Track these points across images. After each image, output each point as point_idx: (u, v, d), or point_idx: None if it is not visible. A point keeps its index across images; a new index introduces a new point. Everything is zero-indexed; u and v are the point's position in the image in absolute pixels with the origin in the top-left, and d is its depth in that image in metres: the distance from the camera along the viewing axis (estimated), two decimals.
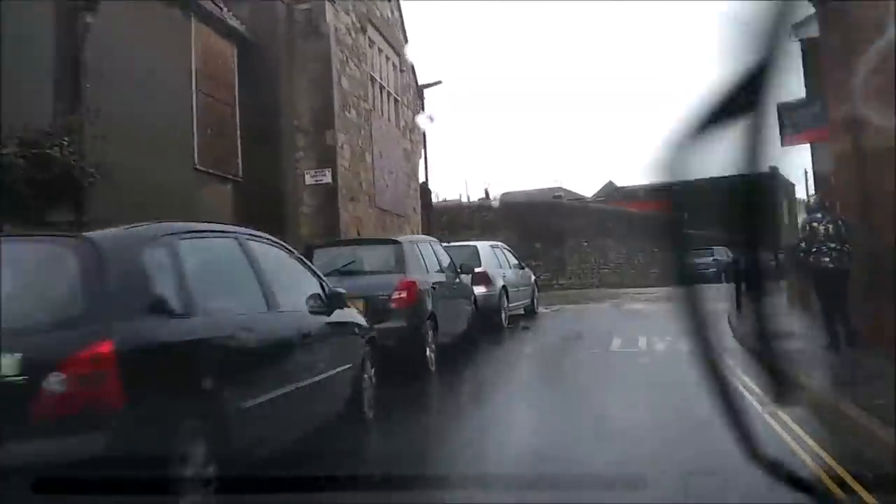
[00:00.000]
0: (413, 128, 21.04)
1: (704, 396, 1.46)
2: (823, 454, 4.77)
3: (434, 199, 24.49)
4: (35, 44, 8.95)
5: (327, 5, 14.99)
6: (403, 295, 8.65)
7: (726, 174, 1.18)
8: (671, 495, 3.66)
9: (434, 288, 9.64)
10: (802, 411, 5.49)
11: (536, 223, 28.65)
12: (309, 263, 6.30)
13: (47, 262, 3.75)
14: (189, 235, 4.36)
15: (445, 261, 11.23)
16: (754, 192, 1.26)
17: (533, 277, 16.70)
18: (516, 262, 15.99)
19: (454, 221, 27.71)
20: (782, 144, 11.01)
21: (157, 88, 11.22)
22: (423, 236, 13.54)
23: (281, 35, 14.64)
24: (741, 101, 1.04)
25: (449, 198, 34.08)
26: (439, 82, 21.71)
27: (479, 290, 13.40)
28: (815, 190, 13.63)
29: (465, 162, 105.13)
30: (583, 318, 15.89)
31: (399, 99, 19.70)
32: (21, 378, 3.11)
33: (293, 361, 4.83)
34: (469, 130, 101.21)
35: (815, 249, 8.39)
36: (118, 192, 8.79)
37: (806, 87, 11.78)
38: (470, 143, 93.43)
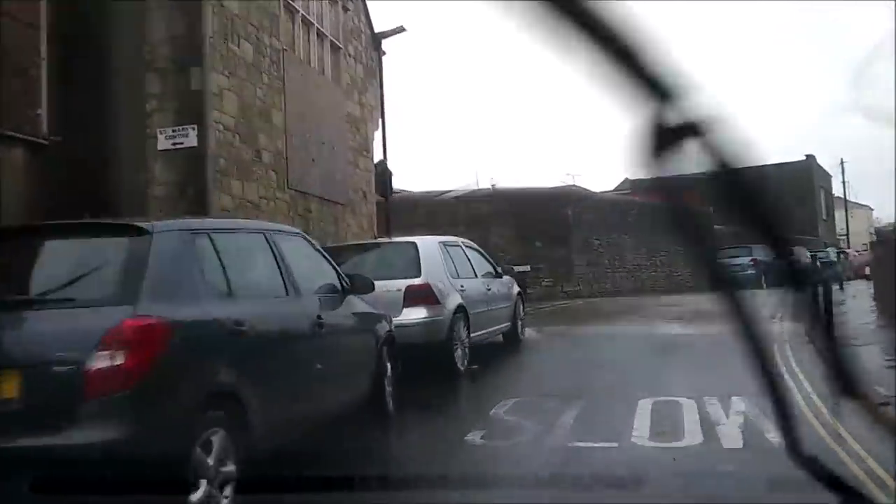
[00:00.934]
0: (365, 88, 15.83)
1: None
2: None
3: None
4: None
5: None
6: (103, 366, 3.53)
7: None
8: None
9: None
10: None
11: (536, 218, 23.34)
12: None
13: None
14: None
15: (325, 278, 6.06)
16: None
17: (516, 289, 11.47)
18: (490, 267, 10.77)
19: (433, 214, 22.46)
20: None
21: None
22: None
23: None
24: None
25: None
26: (401, 29, 16.44)
27: (415, 314, 8.24)
28: None
29: (469, 157, 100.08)
30: (587, 351, 10.60)
31: (341, 46, 14.49)
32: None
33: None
34: (469, 125, 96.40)
35: None
36: None
37: None
38: (475, 136, 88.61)
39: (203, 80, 9.73)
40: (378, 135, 16.56)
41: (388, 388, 6.18)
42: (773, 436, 4.83)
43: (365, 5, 15.89)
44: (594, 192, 26.63)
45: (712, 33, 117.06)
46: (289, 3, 12.43)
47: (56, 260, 4.25)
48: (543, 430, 5.85)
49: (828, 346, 1.21)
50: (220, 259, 4.41)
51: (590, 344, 11.00)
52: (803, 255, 32.11)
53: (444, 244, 9.46)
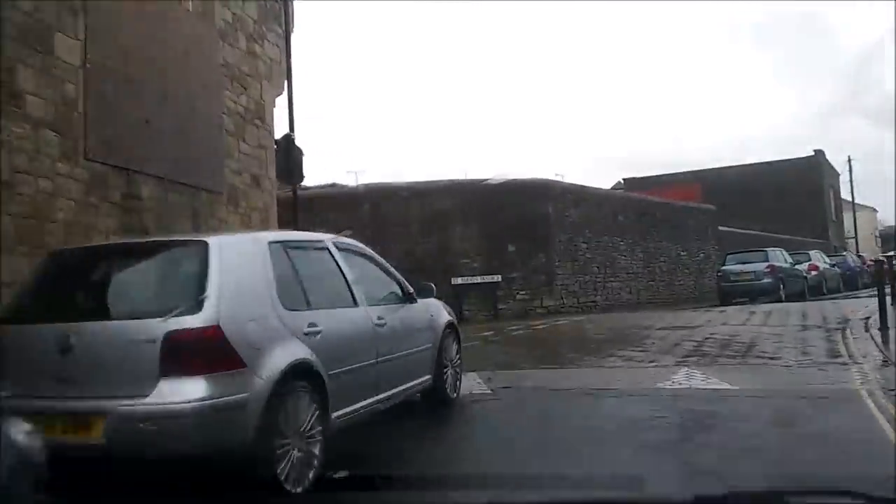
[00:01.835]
0: (262, 35, 11.43)
1: None
2: None
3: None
4: None
5: None
6: None
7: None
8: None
9: None
10: None
11: (509, 215, 18.98)
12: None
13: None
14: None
15: None
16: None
17: (445, 318, 7.11)
18: (394, 287, 6.45)
19: (379, 210, 18.07)
20: None
21: None
22: None
23: None
24: None
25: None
26: None
27: (183, 392, 3.82)
28: None
29: (436, 146, 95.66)
30: (556, 437, 6.06)
31: None
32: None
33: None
34: (470, 120, 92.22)
35: None
36: None
37: None
38: (469, 130, 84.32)
39: None
40: (283, 101, 12.17)
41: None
42: None
43: None
44: (580, 186, 22.21)
45: (712, 33, 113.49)
46: None
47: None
48: None
49: None
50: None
51: (559, 418, 6.57)
52: (820, 260, 27.96)
53: (285, 245, 5.08)
